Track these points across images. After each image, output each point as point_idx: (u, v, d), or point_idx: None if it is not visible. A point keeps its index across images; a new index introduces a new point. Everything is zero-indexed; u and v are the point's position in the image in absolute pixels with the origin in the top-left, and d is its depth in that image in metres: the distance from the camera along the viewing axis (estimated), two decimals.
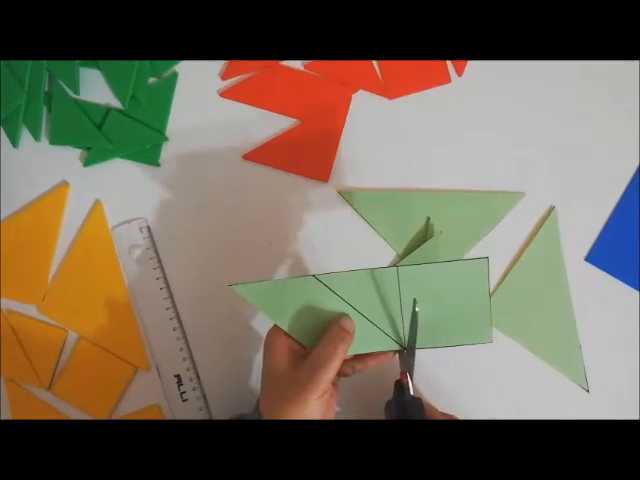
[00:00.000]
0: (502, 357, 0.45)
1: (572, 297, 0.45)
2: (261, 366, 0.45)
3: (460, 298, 0.37)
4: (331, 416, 0.36)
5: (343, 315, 0.36)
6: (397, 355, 0.38)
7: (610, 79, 0.47)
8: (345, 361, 0.37)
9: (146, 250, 0.47)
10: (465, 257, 0.46)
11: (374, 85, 0.47)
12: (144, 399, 0.47)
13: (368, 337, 0.37)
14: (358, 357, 0.38)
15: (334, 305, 0.36)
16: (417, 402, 0.38)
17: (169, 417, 0.47)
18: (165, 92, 0.48)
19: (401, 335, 0.37)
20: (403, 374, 0.38)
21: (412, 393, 0.37)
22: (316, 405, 0.34)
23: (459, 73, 0.47)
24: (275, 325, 0.37)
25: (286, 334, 0.37)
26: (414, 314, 0.35)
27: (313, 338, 0.36)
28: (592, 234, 0.46)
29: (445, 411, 0.42)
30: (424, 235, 0.46)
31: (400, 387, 0.38)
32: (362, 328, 0.36)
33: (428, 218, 0.46)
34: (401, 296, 0.37)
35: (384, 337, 0.37)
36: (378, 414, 0.41)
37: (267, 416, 0.35)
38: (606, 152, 0.46)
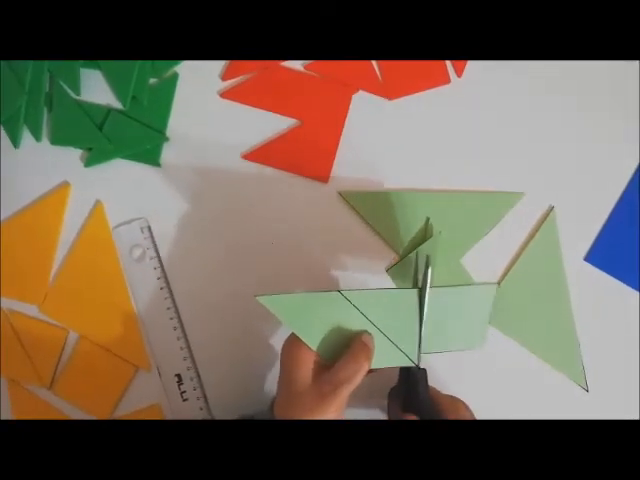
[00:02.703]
0: (502, 357, 0.45)
1: (571, 297, 0.45)
2: (262, 365, 0.46)
3: (465, 313, 0.39)
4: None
5: (364, 332, 0.37)
6: None
7: (610, 79, 0.47)
8: None
9: (147, 250, 0.47)
10: (464, 257, 0.46)
11: (374, 86, 0.47)
12: (145, 398, 0.47)
13: (385, 353, 0.37)
14: None
15: (356, 321, 0.37)
16: (423, 373, 0.39)
17: (169, 417, 0.47)
18: (166, 92, 0.48)
19: (416, 353, 0.38)
20: None
21: (418, 365, 0.38)
22: (332, 416, 0.34)
23: (458, 74, 0.47)
24: (296, 337, 0.37)
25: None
26: (427, 267, 0.37)
27: (332, 352, 0.37)
28: (591, 234, 0.46)
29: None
30: (424, 235, 0.46)
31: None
32: (381, 344, 0.37)
33: (427, 218, 0.46)
34: (420, 315, 0.38)
35: (400, 354, 0.38)
36: (380, 402, 0.42)
37: (281, 417, 0.36)
38: (606, 152, 0.46)
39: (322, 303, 0.37)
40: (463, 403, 0.40)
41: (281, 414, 0.36)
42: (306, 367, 0.36)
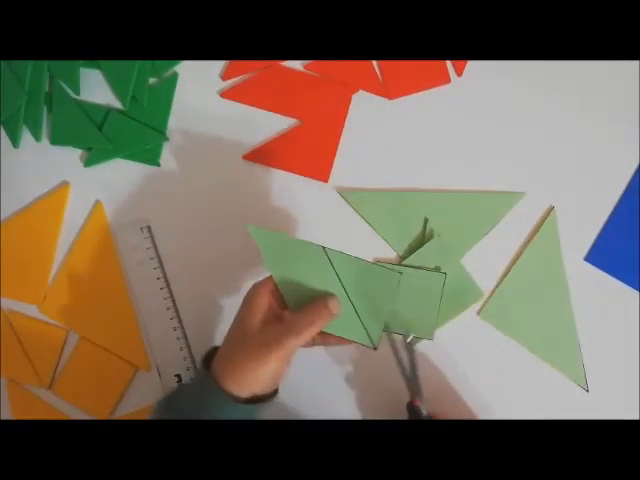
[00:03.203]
0: (502, 357, 0.45)
1: (572, 297, 0.45)
2: None
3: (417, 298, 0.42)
4: (279, 382, 0.37)
5: (332, 295, 0.37)
6: (403, 378, 0.40)
7: (610, 79, 0.47)
8: None
9: (146, 250, 0.47)
10: (464, 257, 0.46)
11: (374, 85, 0.47)
12: (144, 399, 0.47)
13: (347, 323, 0.37)
14: (322, 332, 0.38)
15: (329, 281, 0.37)
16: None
17: None
18: (165, 92, 0.48)
19: (378, 335, 0.38)
20: (414, 397, 0.39)
21: (425, 413, 0.39)
22: (274, 366, 0.34)
23: (459, 73, 0.47)
24: (262, 282, 0.37)
25: (271, 293, 0.37)
26: (412, 350, 0.38)
27: (297, 301, 0.37)
28: (591, 234, 0.46)
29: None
30: (423, 236, 0.46)
31: (412, 408, 0.39)
32: (345, 313, 0.37)
33: (426, 219, 0.46)
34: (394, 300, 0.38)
35: (361, 330, 0.38)
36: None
37: (221, 364, 0.36)
38: (606, 152, 0.46)
39: (304, 252, 0.37)
40: None
41: (224, 355, 0.36)
42: (258, 313, 0.36)
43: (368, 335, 0.38)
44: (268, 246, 0.37)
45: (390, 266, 0.37)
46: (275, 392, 0.37)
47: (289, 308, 0.37)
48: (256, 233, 0.37)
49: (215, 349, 0.38)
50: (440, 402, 0.45)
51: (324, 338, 0.38)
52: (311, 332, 0.35)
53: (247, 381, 0.34)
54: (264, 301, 0.37)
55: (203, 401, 0.35)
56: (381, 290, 0.37)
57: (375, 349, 0.38)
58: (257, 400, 0.35)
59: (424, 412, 0.39)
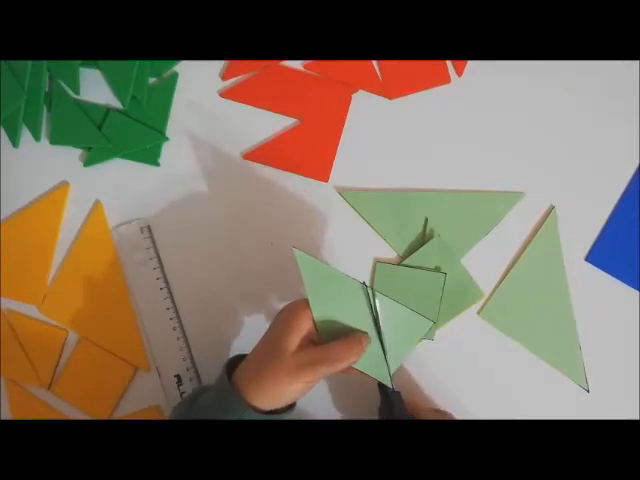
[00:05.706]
0: (502, 357, 0.45)
1: (572, 297, 0.45)
2: None
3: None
4: (299, 398, 0.37)
5: (364, 332, 0.37)
6: None
7: (610, 79, 0.47)
8: None
9: (146, 250, 0.47)
10: (464, 257, 0.46)
11: (374, 85, 0.47)
12: (144, 399, 0.47)
13: (371, 360, 0.38)
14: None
15: (364, 317, 0.37)
16: (397, 395, 0.39)
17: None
18: (165, 92, 0.48)
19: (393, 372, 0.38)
20: None
21: (392, 387, 0.39)
22: (301, 388, 0.35)
23: (459, 73, 0.47)
24: (304, 302, 0.37)
25: (311, 317, 0.37)
26: (375, 308, 0.37)
27: (328, 333, 0.37)
28: (592, 234, 0.46)
29: (441, 408, 0.42)
30: (423, 236, 0.46)
31: (382, 385, 0.39)
32: (372, 350, 0.37)
33: (426, 219, 0.46)
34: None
35: (384, 369, 0.38)
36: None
37: (246, 376, 0.36)
38: (606, 152, 0.46)
39: (345, 286, 0.37)
40: (449, 416, 0.40)
41: (250, 369, 0.36)
42: (297, 335, 0.36)
43: (389, 376, 0.38)
44: (311, 273, 0.37)
45: (423, 316, 0.38)
46: (292, 405, 0.37)
47: (318, 336, 0.37)
48: (302, 259, 0.37)
49: (237, 357, 0.39)
50: (440, 402, 0.45)
51: (347, 370, 0.38)
52: (344, 365, 0.36)
53: (273, 397, 0.35)
54: (304, 323, 0.37)
55: (224, 410, 0.35)
56: (409, 333, 0.38)
57: (392, 389, 0.38)
58: (277, 412, 0.36)
59: (390, 387, 0.39)
